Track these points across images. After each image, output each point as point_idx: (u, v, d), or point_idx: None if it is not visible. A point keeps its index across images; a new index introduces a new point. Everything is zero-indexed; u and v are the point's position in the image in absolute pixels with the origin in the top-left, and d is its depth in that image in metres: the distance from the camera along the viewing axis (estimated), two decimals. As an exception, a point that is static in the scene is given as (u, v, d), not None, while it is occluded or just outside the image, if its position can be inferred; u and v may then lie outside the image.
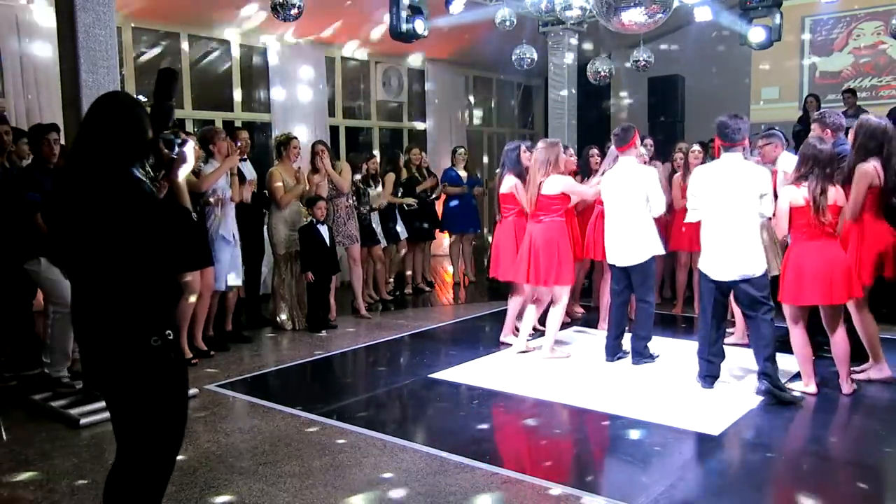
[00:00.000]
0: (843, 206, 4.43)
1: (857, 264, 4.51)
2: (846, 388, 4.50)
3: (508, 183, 5.67)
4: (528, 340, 5.57)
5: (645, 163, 5.70)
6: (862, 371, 4.75)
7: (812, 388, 4.50)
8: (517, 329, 5.81)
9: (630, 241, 5.06)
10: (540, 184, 5.24)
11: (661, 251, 5.18)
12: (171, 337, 2.23)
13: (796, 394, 4.49)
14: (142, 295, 2.20)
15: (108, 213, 2.15)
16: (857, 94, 9.62)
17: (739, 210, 4.34)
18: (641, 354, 5.20)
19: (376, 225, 7.34)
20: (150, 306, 2.22)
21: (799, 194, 4.32)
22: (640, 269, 5.09)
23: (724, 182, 4.39)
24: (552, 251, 5.23)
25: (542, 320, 5.74)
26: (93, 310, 2.22)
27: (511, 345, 5.74)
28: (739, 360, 5.07)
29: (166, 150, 2.43)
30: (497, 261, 5.83)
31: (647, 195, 5.02)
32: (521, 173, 5.62)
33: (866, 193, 4.52)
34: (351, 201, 6.89)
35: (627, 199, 5.07)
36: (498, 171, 6.25)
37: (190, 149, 2.51)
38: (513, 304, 5.91)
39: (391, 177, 7.66)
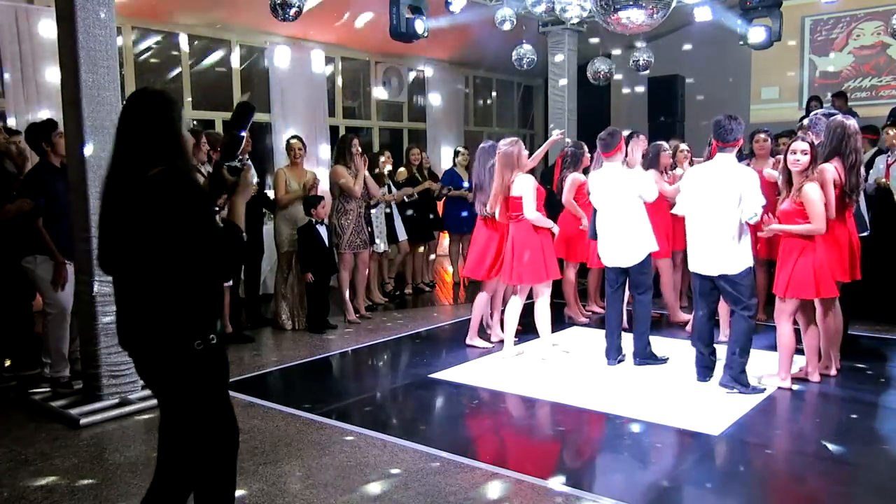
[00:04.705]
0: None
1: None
2: (815, 376, 4.69)
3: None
4: (515, 343, 5.54)
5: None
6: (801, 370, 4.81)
7: (787, 383, 4.59)
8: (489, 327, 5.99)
9: (626, 241, 5.06)
10: (510, 184, 5.20)
11: (655, 248, 5.17)
12: (214, 341, 2.28)
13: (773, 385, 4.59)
14: (189, 300, 2.24)
15: (167, 214, 2.16)
16: (849, 95, 9.60)
17: (721, 209, 4.41)
18: (642, 355, 5.18)
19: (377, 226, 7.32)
20: (195, 311, 2.26)
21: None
22: (638, 268, 5.10)
23: (713, 181, 4.46)
24: (534, 248, 5.18)
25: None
26: (140, 312, 2.26)
27: (476, 346, 5.79)
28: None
29: (230, 177, 2.47)
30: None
31: (639, 193, 5.04)
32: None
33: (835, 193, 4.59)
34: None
35: (619, 201, 5.07)
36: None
37: (252, 175, 2.56)
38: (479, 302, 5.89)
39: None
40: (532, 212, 5.15)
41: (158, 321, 2.23)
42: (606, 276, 5.33)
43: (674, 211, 4.88)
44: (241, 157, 2.53)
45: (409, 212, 7.96)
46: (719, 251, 4.44)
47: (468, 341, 5.88)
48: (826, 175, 4.54)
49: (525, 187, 5.17)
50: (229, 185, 2.46)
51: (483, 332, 6.02)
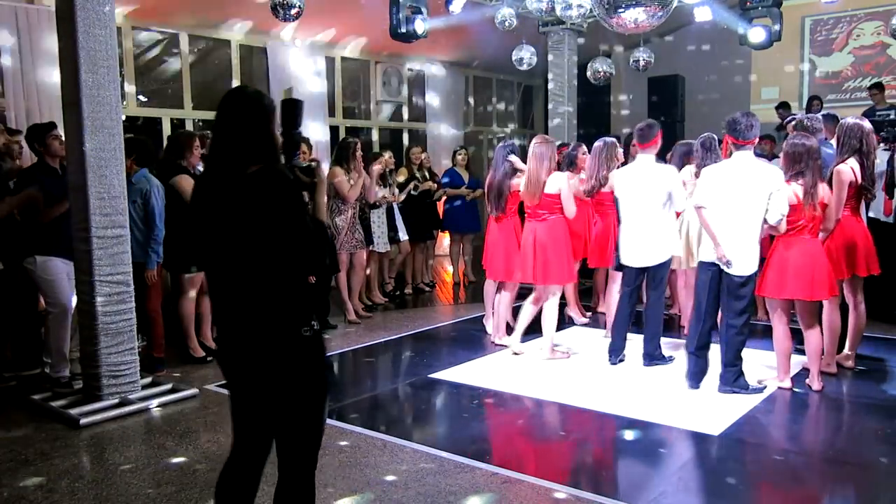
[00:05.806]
0: (827, 204, 4.53)
1: (834, 259, 4.63)
2: (816, 384, 4.59)
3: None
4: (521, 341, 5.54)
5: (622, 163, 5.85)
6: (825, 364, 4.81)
7: (787, 384, 4.60)
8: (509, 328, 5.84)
9: (651, 240, 4.98)
10: (545, 181, 5.19)
11: (678, 251, 5.14)
12: (317, 327, 2.36)
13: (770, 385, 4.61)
14: (293, 289, 2.32)
15: (270, 209, 2.23)
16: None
17: (748, 209, 4.34)
18: (653, 356, 5.16)
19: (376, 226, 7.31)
20: (300, 299, 2.34)
21: (793, 192, 4.38)
22: (658, 269, 5.05)
23: (738, 181, 4.36)
24: (560, 249, 5.19)
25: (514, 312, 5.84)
26: (249, 305, 2.31)
27: (506, 346, 5.73)
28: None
29: (306, 178, 2.51)
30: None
31: (670, 192, 4.96)
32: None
33: (846, 196, 4.63)
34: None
35: (648, 198, 4.98)
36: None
37: (323, 170, 2.63)
38: (504, 302, 5.89)
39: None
40: (572, 211, 5.18)
41: (269, 312, 2.29)
42: (624, 276, 5.22)
43: (692, 201, 4.85)
44: (315, 161, 2.61)
45: (427, 200, 8.07)
46: (738, 251, 4.35)
47: (497, 341, 5.85)
48: (842, 177, 4.59)
49: (563, 185, 5.16)
50: (308, 185, 2.51)
51: (509, 329, 5.92)
